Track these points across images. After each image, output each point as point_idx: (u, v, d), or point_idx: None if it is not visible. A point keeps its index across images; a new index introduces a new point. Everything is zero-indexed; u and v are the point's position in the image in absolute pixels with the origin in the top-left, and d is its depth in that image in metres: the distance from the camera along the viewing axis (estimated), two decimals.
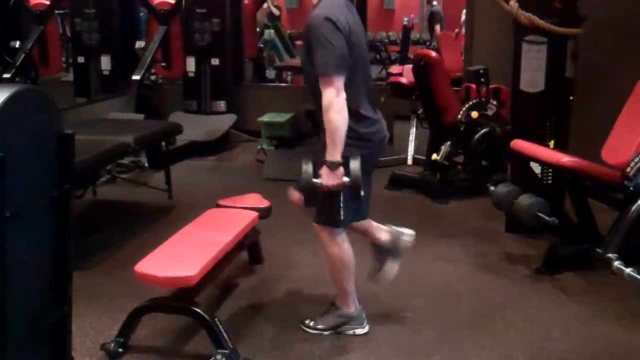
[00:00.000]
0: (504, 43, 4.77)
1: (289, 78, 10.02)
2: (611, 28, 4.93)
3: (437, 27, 11.98)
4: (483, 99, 5.33)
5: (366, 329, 3.24)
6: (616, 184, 3.45)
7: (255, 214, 3.67)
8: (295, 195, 3.16)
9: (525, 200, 3.90)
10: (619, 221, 3.38)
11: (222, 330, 2.93)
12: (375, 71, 11.45)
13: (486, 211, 4.75)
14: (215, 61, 7.35)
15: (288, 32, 12.03)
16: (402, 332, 3.26)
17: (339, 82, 2.76)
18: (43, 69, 7.32)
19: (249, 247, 3.85)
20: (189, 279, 2.88)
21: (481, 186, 4.72)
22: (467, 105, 5.32)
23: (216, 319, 2.97)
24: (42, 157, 1.71)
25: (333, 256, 3.11)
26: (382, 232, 3.34)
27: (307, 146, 6.47)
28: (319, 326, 3.23)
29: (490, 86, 5.37)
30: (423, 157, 6.06)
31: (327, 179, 2.80)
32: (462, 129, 5.30)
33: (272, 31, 11.00)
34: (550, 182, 4.42)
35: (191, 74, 7.37)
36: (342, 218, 3.00)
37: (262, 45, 10.43)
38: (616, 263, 3.17)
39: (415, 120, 6.59)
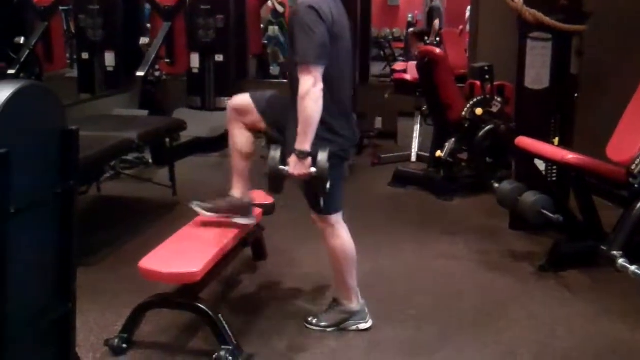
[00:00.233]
0: (508, 40, 4.76)
1: None
2: (616, 25, 4.92)
3: (436, 23, 11.94)
4: (487, 96, 5.32)
5: (369, 324, 3.23)
6: (621, 181, 3.44)
7: (259, 210, 3.67)
8: None
9: (529, 197, 3.90)
10: (623, 218, 3.37)
11: (226, 326, 2.94)
12: (379, 68, 11.44)
13: (490, 208, 4.74)
14: (219, 57, 7.34)
15: None
16: (405, 330, 3.26)
17: (318, 71, 2.76)
18: (47, 65, 7.33)
19: (252, 243, 3.85)
20: (193, 275, 2.89)
21: (485, 183, 4.72)
22: (471, 102, 5.31)
23: (220, 315, 2.97)
24: (47, 153, 1.71)
25: (335, 248, 3.12)
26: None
27: None
28: (322, 323, 3.23)
29: (495, 83, 5.35)
30: (427, 154, 6.05)
31: (294, 167, 2.82)
32: (466, 125, 5.30)
33: (277, 28, 10.98)
34: (554, 179, 4.41)
35: (195, 71, 7.37)
36: (322, 207, 3.01)
37: (266, 42, 10.42)
38: (621, 260, 3.16)
39: (419, 117, 6.58)
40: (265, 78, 9.46)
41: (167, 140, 5.51)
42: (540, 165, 4.30)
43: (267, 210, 3.72)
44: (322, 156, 2.79)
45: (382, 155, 6.56)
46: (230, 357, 2.88)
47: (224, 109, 7.78)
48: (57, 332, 1.86)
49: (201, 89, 7.39)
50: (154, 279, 2.93)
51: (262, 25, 10.20)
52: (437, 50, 5.88)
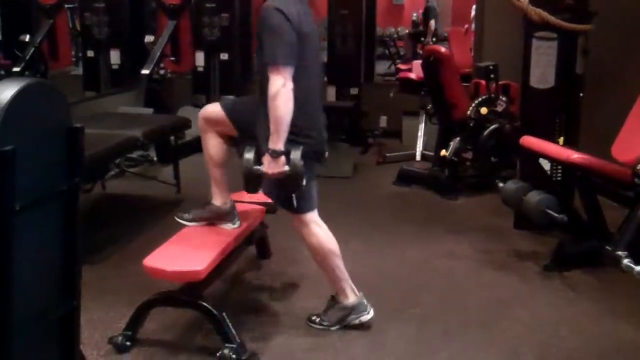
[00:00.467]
0: (513, 39, 4.75)
1: None
2: (622, 25, 4.90)
3: (432, 23, 11.93)
4: (492, 95, 5.31)
5: (371, 313, 3.23)
6: (626, 181, 3.44)
7: (263, 208, 3.68)
8: None
9: (534, 197, 3.89)
10: (628, 219, 3.37)
11: (230, 324, 2.94)
12: (384, 67, 11.43)
13: (495, 208, 4.74)
14: (224, 56, 7.35)
15: None
16: (409, 328, 3.26)
17: (287, 71, 2.78)
18: (52, 63, 7.35)
19: (256, 241, 3.86)
20: (197, 274, 2.89)
21: (490, 182, 4.71)
22: (476, 102, 5.31)
23: (224, 314, 2.97)
24: (52, 150, 1.71)
25: (313, 247, 3.16)
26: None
27: None
28: (325, 322, 3.23)
29: (500, 82, 5.35)
30: (432, 153, 6.05)
31: (268, 166, 2.84)
32: (471, 125, 5.29)
33: None
34: (559, 178, 4.41)
35: (200, 69, 7.38)
36: (295, 206, 3.04)
37: None
38: (625, 261, 3.15)
39: (424, 116, 6.58)
40: None
41: (172, 138, 5.52)
42: (545, 164, 4.30)
43: (271, 208, 3.72)
44: (295, 154, 2.84)
45: (387, 154, 6.56)
46: (234, 355, 2.88)
47: None
48: (62, 330, 1.86)
49: (206, 87, 7.40)
50: (158, 276, 2.93)
51: None
52: (443, 49, 5.87)
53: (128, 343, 3.02)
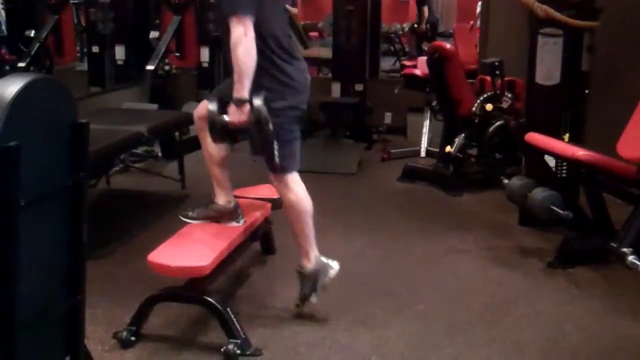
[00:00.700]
0: (519, 36, 4.74)
1: None
2: (628, 21, 4.88)
3: (425, 9, 11.83)
4: (498, 92, 5.29)
5: (336, 265, 3.23)
6: (631, 178, 3.43)
7: (268, 204, 3.68)
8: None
9: (539, 193, 3.89)
10: (634, 215, 3.36)
11: (234, 319, 2.95)
12: (389, 63, 11.40)
13: (499, 204, 4.73)
14: None
15: (302, 23, 11.99)
16: (413, 325, 3.26)
17: (247, 21, 2.80)
18: (58, 59, 7.38)
19: (261, 237, 3.86)
20: (201, 269, 2.90)
21: (495, 179, 4.70)
22: (481, 98, 5.29)
23: (228, 309, 2.98)
24: (57, 146, 1.71)
25: (290, 202, 3.17)
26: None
27: (320, 137, 6.48)
28: (303, 296, 3.24)
29: (505, 79, 5.33)
30: (436, 150, 6.04)
31: (233, 115, 2.86)
32: (476, 121, 5.28)
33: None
34: (564, 175, 4.39)
35: (205, 64, 7.37)
36: (278, 163, 3.04)
37: None
38: (630, 257, 3.15)
39: (429, 112, 6.58)
40: None
41: (177, 133, 5.52)
42: (550, 161, 4.29)
43: (276, 204, 3.73)
44: (257, 101, 2.84)
45: (392, 151, 6.55)
46: (239, 351, 2.89)
47: None
48: (66, 325, 1.86)
49: (211, 83, 7.38)
50: (163, 272, 2.94)
51: None
52: (448, 46, 5.86)
53: (132, 338, 3.03)
